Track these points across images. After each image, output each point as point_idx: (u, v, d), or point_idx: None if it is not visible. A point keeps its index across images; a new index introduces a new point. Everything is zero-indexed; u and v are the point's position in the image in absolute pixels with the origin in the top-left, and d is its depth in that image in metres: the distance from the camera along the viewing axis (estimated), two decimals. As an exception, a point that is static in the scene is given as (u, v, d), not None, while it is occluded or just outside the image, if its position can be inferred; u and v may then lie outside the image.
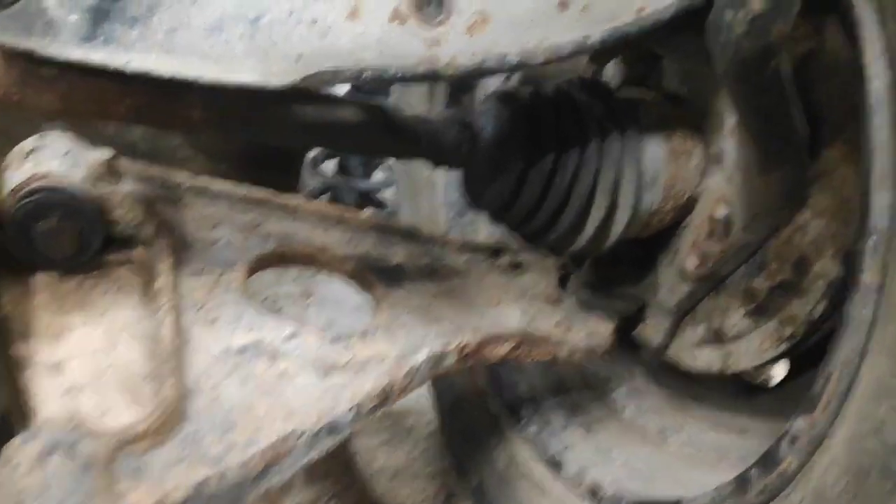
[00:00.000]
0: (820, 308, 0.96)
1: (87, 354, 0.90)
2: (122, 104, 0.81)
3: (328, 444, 0.83)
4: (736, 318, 1.06)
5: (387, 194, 2.25)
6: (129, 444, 0.73)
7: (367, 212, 1.20)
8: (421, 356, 0.95)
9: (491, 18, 0.80)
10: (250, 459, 0.75)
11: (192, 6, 0.74)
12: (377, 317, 1.03)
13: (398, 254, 1.17)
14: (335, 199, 2.17)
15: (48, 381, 0.86)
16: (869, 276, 0.67)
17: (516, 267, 1.23)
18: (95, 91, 0.79)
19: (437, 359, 0.97)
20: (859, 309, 0.68)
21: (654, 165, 1.01)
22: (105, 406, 0.84)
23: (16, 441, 0.68)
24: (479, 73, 0.80)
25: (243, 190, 1.15)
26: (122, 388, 0.87)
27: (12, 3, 0.70)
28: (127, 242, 1.06)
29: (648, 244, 1.12)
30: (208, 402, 0.82)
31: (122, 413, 0.84)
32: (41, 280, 0.99)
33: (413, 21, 0.78)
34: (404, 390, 0.93)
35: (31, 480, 0.66)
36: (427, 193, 1.47)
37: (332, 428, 0.83)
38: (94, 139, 1.13)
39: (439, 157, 0.98)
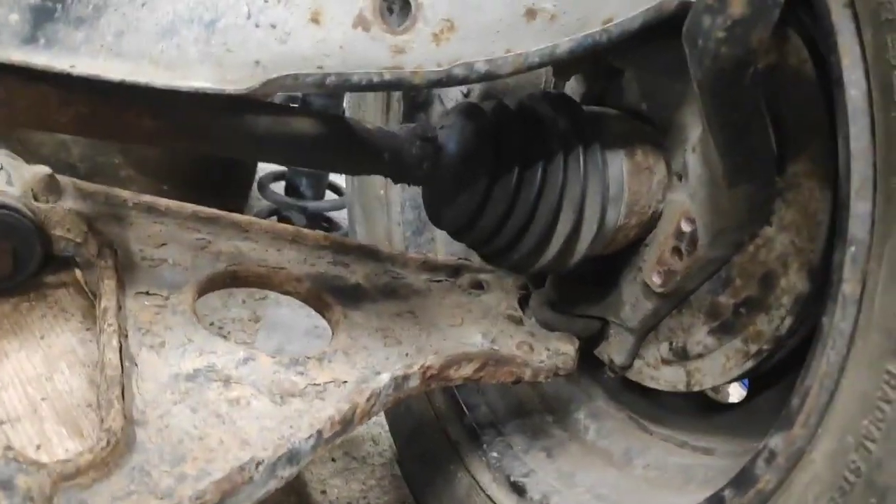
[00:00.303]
0: (787, 323, 0.95)
1: (24, 382, 0.84)
2: (66, 113, 0.75)
3: (288, 473, 0.78)
4: (700, 336, 1.04)
5: (336, 216, 2.20)
6: (72, 477, 0.67)
7: (316, 230, 1.16)
8: (383, 379, 0.91)
9: (457, 27, 0.78)
10: (204, 491, 0.70)
11: (142, 8, 0.70)
12: (335, 340, 0.98)
13: (356, 273, 1.13)
14: (283, 221, 2.12)
15: (-21, 411, 0.80)
16: (849, 287, 0.66)
17: (477, 286, 1.20)
18: (37, 98, 0.74)
19: (399, 381, 0.93)
20: (838, 321, 0.67)
21: (618, 181, 1.00)
22: (43, 438, 0.78)
23: (-56, 477, 0.62)
24: (447, 82, 0.77)
25: (191, 208, 1.09)
26: (62, 418, 0.81)
27: (-55, 1, 0.65)
28: (66, 263, 1.01)
29: (610, 261, 1.11)
30: (157, 432, 0.77)
31: (60, 445, 0.78)
32: (-28, 303, 0.92)
33: (377, 27, 0.75)
34: (367, 415, 0.89)
35: (-39, 520, 0.60)
36: (382, 212, 1.44)
37: (291, 456, 0.78)
38: (29, 160, 1.07)
39: (401, 173, 0.95)
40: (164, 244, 1.03)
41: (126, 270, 0.96)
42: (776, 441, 0.75)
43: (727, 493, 0.82)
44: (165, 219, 1.08)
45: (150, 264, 0.99)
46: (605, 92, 1.12)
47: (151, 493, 0.70)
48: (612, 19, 0.83)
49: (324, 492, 1.41)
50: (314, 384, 0.89)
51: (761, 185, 0.87)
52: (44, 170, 1.01)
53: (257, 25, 0.72)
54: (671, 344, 1.09)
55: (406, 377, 0.94)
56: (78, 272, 1.00)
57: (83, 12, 0.69)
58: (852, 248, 0.65)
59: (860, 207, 0.64)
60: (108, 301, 0.87)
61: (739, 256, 0.99)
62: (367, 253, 1.17)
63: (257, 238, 1.11)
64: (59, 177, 1.03)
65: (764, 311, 0.97)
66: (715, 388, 1.17)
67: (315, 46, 0.73)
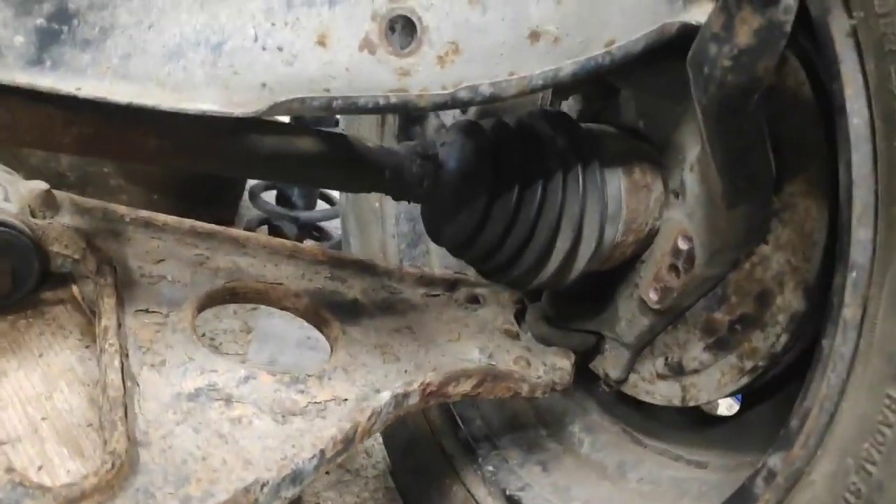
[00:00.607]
0: (782, 341, 0.96)
1: (23, 402, 0.83)
2: (69, 133, 0.75)
3: (291, 493, 0.78)
4: (696, 352, 1.06)
5: (327, 225, 2.20)
6: (77, 501, 0.67)
7: (313, 244, 1.16)
8: (384, 397, 0.91)
9: (462, 49, 0.78)
10: (212, 514, 0.70)
11: (149, 30, 0.70)
12: (334, 357, 0.98)
13: (353, 288, 1.13)
14: (274, 231, 2.11)
15: (-21, 432, 0.79)
16: (849, 311, 0.67)
17: (473, 300, 1.20)
18: (40, 119, 0.74)
19: (400, 399, 0.93)
20: (839, 345, 0.68)
21: (616, 198, 1.01)
22: (44, 458, 0.78)
23: (-50, 503, 0.62)
24: (452, 104, 0.78)
25: (189, 223, 1.09)
26: (63, 438, 0.80)
27: (-49, 23, 0.64)
28: (65, 279, 1.00)
29: (606, 277, 1.11)
30: (160, 453, 0.76)
31: (62, 466, 0.77)
32: (-30, 322, 0.91)
33: (383, 50, 0.76)
34: (368, 433, 0.89)
35: (-33, 547, 0.60)
36: (376, 225, 1.44)
37: (294, 476, 0.78)
38: (17, 169, 1.06)
39: (401, 190, 0.95)
40: (162, 260, 1.03)
41: (125, 287, 0.96)
42: (775, 461, 0.76)
43: (725, 511, 0.83)
44: (163, 234, 1.07)
45: (148, 281, 0.99)
46: (602, 110, 1.13)
47: (156, 516, 0.70)
48: (614, 41, 0.83)
49: (318, 504, 1.41)
50: (315, 402, 0.89)
51: (759, 206, 0.89)
52: (41, 185, 1.01)
53: (264, 48, 0.72)
54: (667, 359, 1.10)
55: (406, 395, 0.94)
56: (75, 288, 1.00)
57: (90, 34, 0.69)
58: (853, 274, 0.67)
59: (861, 234, 0.65)
60: (108, 320, 0.86)
61: (735, 274, 1.00)
62: (364, 268, 1.17)
63: (255, 253, 1.11)
64: (56, 192, 1.02)
65: (759, 328, 0.98)
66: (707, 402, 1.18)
67: (321, 69, 0.73)
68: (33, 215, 0.98)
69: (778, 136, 0.92)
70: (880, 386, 0.63)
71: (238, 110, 0.71)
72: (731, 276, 1.00)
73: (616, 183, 1.01)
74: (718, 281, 1.01)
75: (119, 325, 0.87)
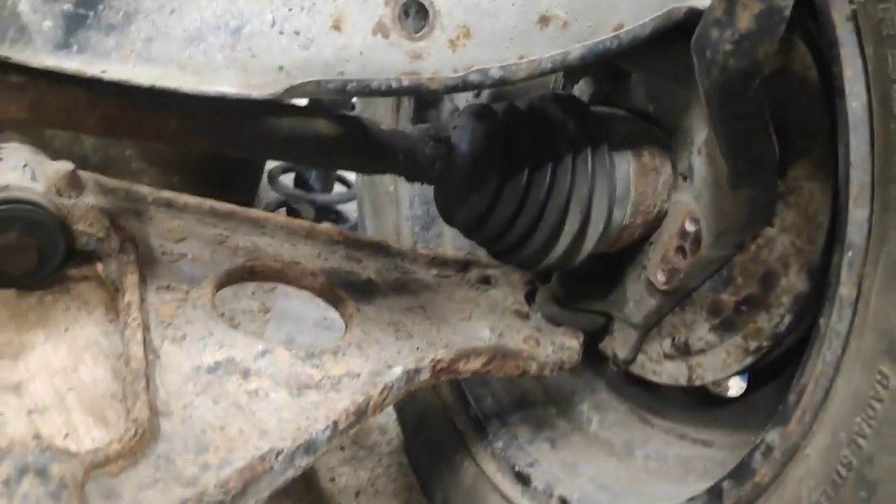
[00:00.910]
0: (786, 322, 0.98)
1: (50, 374, 0.87)
2: (94, 115, 0.78)
3: (305, 462, 0.81)
4: (702, 332, 1.08)
5: (344, 208, 2.23)
6: (102, 465, 0.70)
7: (329, 226, 1.19)
8: (396, 372, 0.94)
9: (473, 33, 0.80)
10: (228, 480, 0.73)
11: (170, 15, 0.72)
12: (349, 333, 1.01)
13: (368, 268, 1.16)
14: (292, 213, 2.14)
15: (10, 401, 0.83)
16: (845, 290, 0.69)
17: (484, 281, 1.23)
18: (66, 101, 0.77)
19: (411, 375, 0.96)
20: (835, 322, 0.70)
21: (625, 181, 1.03)
22: (70, 427, 0.81)
23: (-17, 464, 0.65)
24: (463, 87, 0.80)
25: (209, 203, 1.12)
26: (88, 408, 0.84)
27: (-17, 9, 0.67)
28: (89, 257, 1.03)
29: (615, 259, 1.13)
30: (180, 422, 0.80)
31: (87, 434, 0.81)
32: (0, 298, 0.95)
33: (396, 34, 0.78)
34: (380, 407, 0.92)
35: (1, 505, 0.63)
36: (391, 207, 1.47)
37: (308, 447, 0.81)
38: (43, 151, 1.10)
39: (414, 172, 0.98)
40: (183, 239, 1.06)
41: (147, 265, 0.99)
42: (773, 436, 0.78)
43: (726, 484, 0.85)
44: (184, 214, 1.11)
45: (169, 259, 1.02)
46: (613, 93, 1.14)
47: (176, 481, 0.73)
48: (622, 26, 0.85)
49: (332, 479, 1.44)
50: (329, 376, 0.92)
51: (763, 189, 0.90)
52: (66, 166, 1.04)
53: (281, 32, 0.74)
54: (673, 339, 1.12)
55: (417, 370, 0.97)
56: (100, 266, 1.03)
57: (114, 19, 0.72)
58: (849, 253, 0.68)
59: (858, 214, 0.67)
60: (131, 295, 0.90)
61: (741, 256, 1.01)
62: (379, 248, 1.20)
63: (273, 233, 1.14)
64: (80, 172, 1.05)
65: (764, 309, 1.00)
66: (715, 382, 1.20)
67: (336, 53, 0.76)
68: (59, 195, 1.01)
69: (784, 119, 0.94)
70: (873, 361, 0.65)
71: (255, 92, 0.73)
72: (737, 258, 1.02)
73: (625, 166, 1.03)
74: (725, 263, 1.03)
75: (141, 301, 0.91)
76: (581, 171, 0.99)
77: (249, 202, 2.13)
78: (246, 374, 0.89)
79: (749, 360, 1.03)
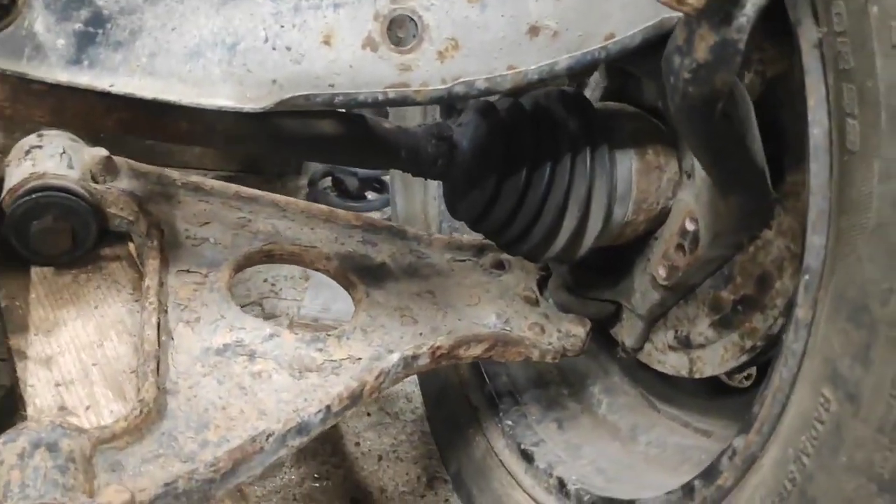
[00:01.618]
0: (779, 324, 0.99)
1: (78, 349, 0.96)
2: (110, 118, 0.85)
3: (297, 443, 0.88)
4: (703, 327, 1.10)
5: (388, 178, 2.28)
6: (109, 440, 0.79)
7: (347, 212, 1.24)
8: (393, 358, 1.00)
9: (461, 45, 0.83)
10: (219, 459, 0.81)
11: (172, 32, 0.78)
12: (355, 317, 1.08)
13: (382, 252, 1.21)
14: (337, 183, 2.21)
15: (41, 373, 0.92)
16: (801, 312, 0.71)
17: (499, 266, 1.27)
18: (84, 106, 0.84)
19: (409, 360, 1.02)
20: (791, 342, 0.72)
21: (626, 179, 1.04)
22: (92, 400, 0.90)
23: (1, 439, 0.74)
24: (448, 99, 0.84)
25: (234, 188, 1.19)
26: (109, 382, 0.93)
27: (2, 30, 0.74)
28: (122, 237, 1.12)
29: (623, 250, 1.16)
30: (186, 401, 0.88)
31: (107, 407, 0.90)
32: (38, 274, 1.05)
33: (385, 47, 0.82)
34: (376, 391, 0.98)
35: (16, 474, 0.72)
36: (419, 186, 1.51)
37: (301, 429, 0.88)
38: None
39: (417, 169, 1.02)
40: (207, 223, 1.14)
41: (171, 248, 1.07)
42: (738, 441, 0.81)
43: (697, 483, 0.89)
44: (210, 198, 1.18)
45: (193, 243, 1.10)
46: (625, 87, 1.15)
47: (176, 457, 0.81)
48: (614, 35, 0.87)
49: (357, 444, 1.53)
50: (331, 360, 0.99)
51: (753, 196, 0.91)
52: (101, 152, 1.12)
53: (274, 48, 0.79)
54: (676, 332, 1.14)
55: (416, 357, 1.03)
56: (131, 245, 1.12)
57: (121, 36, 0.78)
58: (806, 277, 0.70)
59: (815, 240, 0.69)
60: (150, 280, 0.98)
61: (741, 255, 1.03)
62: (396, 233, 1.25)
63: (294, 217, 1.20)
64: (115, 158, 1.14)
65: (759, 310, 1.01)
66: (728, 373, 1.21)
67: (327, 66, 0.80)
68: (94, 180, 1.10)
69: (783, 125, 0.94)
70: (818, 384, 0.67)
71: (249, 105, 0.79)
72: (737, 258, 1.03)
73: (627, 164, 1.04)
74: (725, 261, 1.05)
75: (161, 285, 0.98)
76: (580, 170, 1.02)
77: (297, 170, 2.20)
78: (252, 356, 0.96)
79: (744, 357, 1.05)
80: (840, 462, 0.64)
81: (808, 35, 0.68)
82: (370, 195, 2.18)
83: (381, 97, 0.82)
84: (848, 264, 0.64)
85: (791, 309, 0.95)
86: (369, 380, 0.97)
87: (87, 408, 0.89)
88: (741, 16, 0.62)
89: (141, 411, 0.82)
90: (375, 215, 2.01)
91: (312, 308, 1.76)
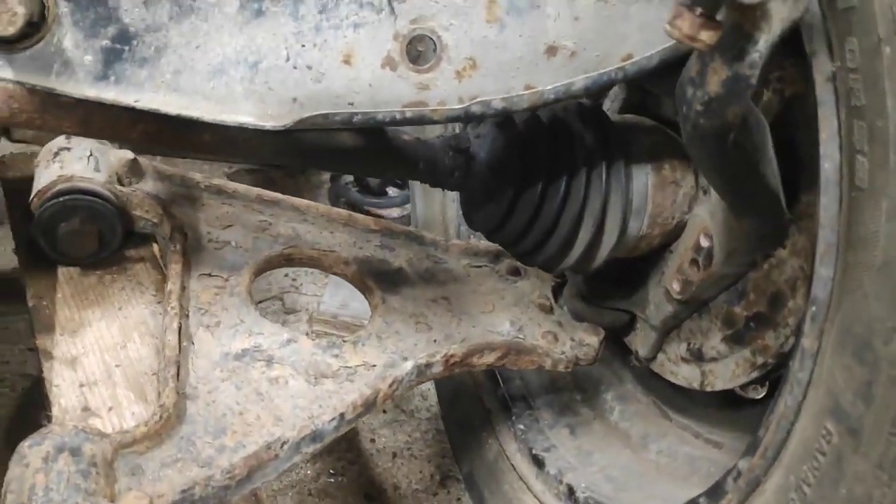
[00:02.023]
0: (790, 342, 1.00)
1: (102, 350, 0.99)
2: (135, 130, 0.87)
3: (311, 450, 0.91)
4: (715, 342, 1.10)
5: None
6: (129, 445, 0.81)
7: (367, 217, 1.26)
8: (407, 366, 1.02)
9: (479, 64, 0.85)
10: (235, 465, 0.83)
11: (196, 50, 0.80)
12: (371, 323, 1.10)
13: (400, 257, 1.23)
14: (358, 179, 2.22)
15: (66, 374, 0.95)
16: (807, 341, 0.71)
17: (514, 272, 1.28)
18: (110, 118, 0.86)
19: (422, 368, 1.03)
20: (797, 370, 0.73)
21: (642, 193, 1.05)
22: (114, 401, 0.93)
23: (27, 442, 0.77)
24: (465, 118, 0.85)
25: (256, 191, 1.21)
26: (131, 384, 0.96)
27: (32, 46, 0.76)
28: (146, 238, 1.15)
29: (641, 261, 1.17)
30: (205, 406, 0.90)
31: (129, 409, 0.93)
32: (64, 275, 1.08)
33: (404, 66, 0.83)
34: (389, 398, 1.00)
35: (41, 478, 0.75)
36: (438, 190, 1.52)
37: (315, 436, 0.90)
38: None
39: (436, 180, 1.03)
40: (229, 225, 1.16)
41: (194, 252, 1.09)
42: (743, 463, 0.82)
43: (702, 500, 0.90)
44: (233, 201, 1.20)
45: (215, 246, 1.12)
46: (645, 100, 1.16)
47: (194, 461, 0.83)
48: (631, 56, 0.87)
49: (373, 440, 1.55)
50: (346, 366, 1.01)
51: (766, 219, 0.92)
52: (128, 154, 1.15)
53: (295, 67, 0.81)
54: (689, 344, 1.15)
55: (429, 364, 1.04)
56: (155, 247, 1.15)
57: (147, 53, 0.80)
58: (813, 308, 0.71)
59: (823, 272, 0.69)
60: (172, 284, 1.00)
61: (755, 272, 1.03)
62: (413, 238, 1.26)
63: (314, 220, 1.22)
64: (140, 159, 1.16)
65: (772, 327, 1.02)
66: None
67: (347, 85, 0.82)
68: (120, 182, 1.13)
69: (799, 144, 0.95)
70: (821, 416, 0.68)
71: (270, 123, 0.80)
72: (751, 275, 1.04)
73: (643, 179, 1.05)
74: (740, 277, 1.05)
75: (183, 289, 1.01)
76: (595, 185, 1.03)
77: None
78: (269, 361, 0.98)
79: (755, 374, 1.06)
80: (840, 495, 0.65)
81: (822, 68, 0.68)
82: (391, 191, 2.20)
83: (398, 116, 0.83)
84: (854, 300, 0.65)
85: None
86: (383, 387, 0.99)
87: (110, 409, 0.92)
88: (754, 52, 0.63)
89: (161, 417, 0.85)
90: (396, 211, 2.04)
91: (332, 304, 1.78)
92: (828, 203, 0.69)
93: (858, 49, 0.63)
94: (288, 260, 1.17)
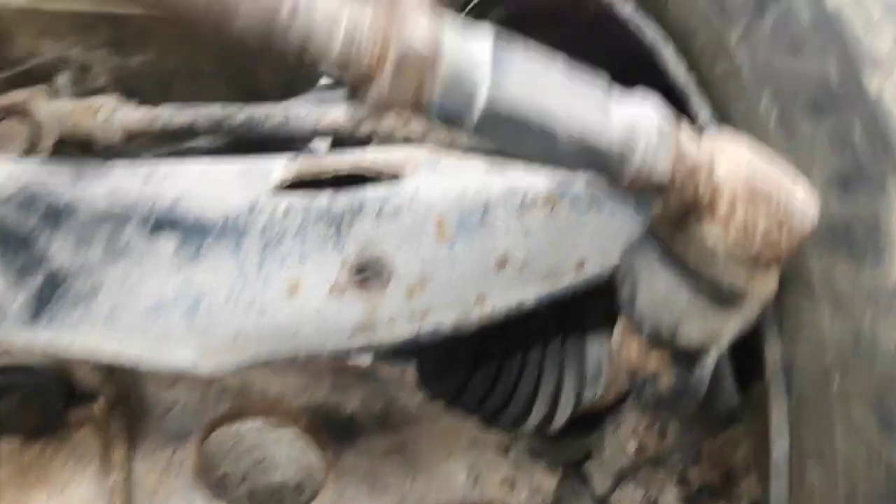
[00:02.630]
0: (745, 521, 1.00)
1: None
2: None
3: None
4: (670, 498, 1.11)
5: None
6: None
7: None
8: (360, 545, 1.00)
9: (429, 282, 0.82)
10: None
11: (132, 288, 0.76)
12: (325, 490, 1.08)
13: (353, 399, 1.21)
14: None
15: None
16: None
17: (471, 404, 1.27)
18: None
19: (376, 544, 1.02)
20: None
21: (597, 363, 1.04)
22: None
23: None
24: (415, 340, 0.83)
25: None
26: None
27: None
28: (88, 397, 1.11)
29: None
30: None
31: None
32: (5, 450, 1.03)
33: (351, 290, 0.80)
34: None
35: None
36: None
37: None
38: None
39: (390, 353, 1.01)
40: (174, 382, 1.12)
41: (139, 419, 1.06)
42: None
43: None
44: (180, 348, 1.16)
45: (161, 410, 1.09)
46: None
47: None
48: (584, 263, 0.86)
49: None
50: (298, 548, 0.99)
51: (718, 405, 0.92)
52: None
53: (237, 304, 0.77)
54: (646, 493, 1.15)
55: (384, 537, 1.03)
56: (97, 405, 1.11)
57: (82, 290, 0.76)
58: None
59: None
60: (117, 475, 0.97)
61: (711, 443, 1.03)
62: (365, 376, 1.24)
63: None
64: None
65: (725, 499, 1.02)
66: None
67: (292, 316, 0.79)
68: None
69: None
70: None
71: (207, 368, 0.77)
72: (707, 444, 1.04)
73: (598, 349, 1.04)
74: (697, 443, 1.05)
75: (126, 479, 0.98)
76: (550, 360, 1.01)
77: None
78: (216, 555, 0.96)
79: (707, 541, 1.06)
80: None
81: (773, 350, 0.68)
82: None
83: (346, 346, 0.80)
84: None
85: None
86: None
87: None
88: (701, 368, 0.61)
89: None
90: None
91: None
92: (777, 490, 0.68)
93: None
94: (238, 414, 1.14)
